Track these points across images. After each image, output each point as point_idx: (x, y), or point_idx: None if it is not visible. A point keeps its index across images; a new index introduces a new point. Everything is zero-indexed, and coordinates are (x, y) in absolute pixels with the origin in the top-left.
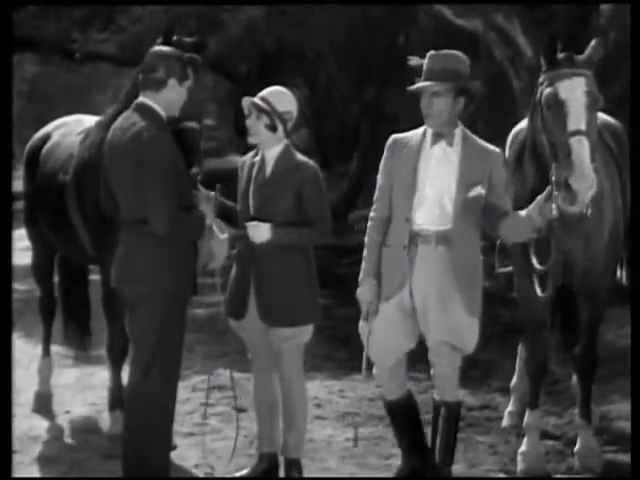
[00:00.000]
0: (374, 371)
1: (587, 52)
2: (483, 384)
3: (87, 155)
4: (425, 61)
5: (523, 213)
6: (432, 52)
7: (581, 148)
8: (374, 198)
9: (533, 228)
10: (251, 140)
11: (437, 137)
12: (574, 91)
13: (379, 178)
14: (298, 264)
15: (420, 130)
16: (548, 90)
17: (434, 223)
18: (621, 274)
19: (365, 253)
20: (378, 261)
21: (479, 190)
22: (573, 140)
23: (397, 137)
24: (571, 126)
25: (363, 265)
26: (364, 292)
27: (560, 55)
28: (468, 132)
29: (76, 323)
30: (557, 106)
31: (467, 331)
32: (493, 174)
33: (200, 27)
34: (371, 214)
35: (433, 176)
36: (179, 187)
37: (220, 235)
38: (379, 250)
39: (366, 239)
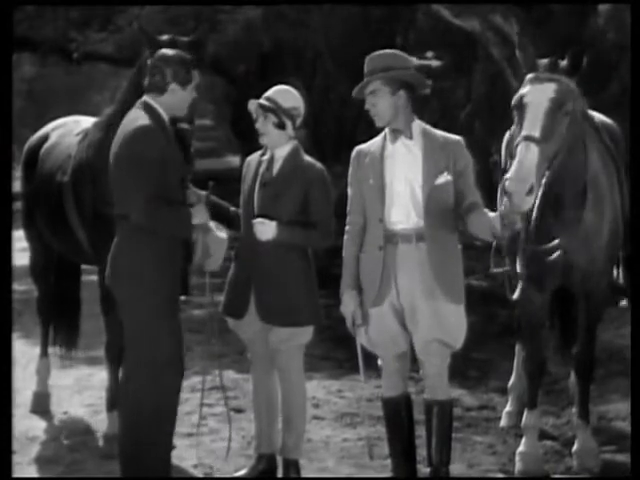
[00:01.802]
0: (379, 363)
1: (566, 60)
2: (481, 384)
3: (85, 156)
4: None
5: (489, 214)
6: (367, 57)
7: (525, 153)
8: (347, 211)
9: (493, 232)
10: (262, 141)
11: (396, 134)
12: (538, 96)
13: (349, 190)
14: (297, 265)
15: (381, 135)
16: (517, 93)
17: (412, 221)
18: (617, 273)
19: (343, 266)
20: (356, 272)
21: (446, 177)
22: (521, 145)
23: (360, 148)
24: (524, 131)
25: (342, 278)
26: (346, 304)
27: (543, 60)
28: (425, 125)
29: (66, 323)
30: (520, 110)
31: (455, 322)
32: (457, 160)
33: (198, 27)
34: (346, 227)
35: (400, 171)
36: (164, 180)
37: (219, 234)
38: (356, 261)
39: (343, 252)
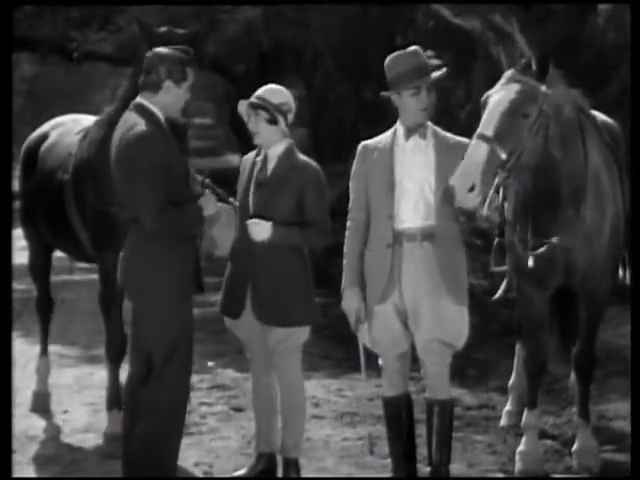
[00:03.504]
0: (380, 362)
1: (532, 64)
2: (481, 383)
3: (86, 154)
4: (399, 63)
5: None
6: (404, 52)
7: (473, 151)
8: (349, 207)
9: (480, 217)
10: (256, 141)
11: (410, 132)
12: (500, 96)
13: (352, 185)
14: (294, 265)
15: (389, 131)
16: (485, 95)
17: (419, 220)
18: (624, 274)
19: (345, 262)
20: (359, 269)
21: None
22: (472, 142)
23: (366, 143)
24: (478, 129)
25: (344, 275)
26: (348, 302)
27: (519, 64)
28: (435, 126)
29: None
30: (483, 110)
31: (456, 323)
32: None
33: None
34: (348, 223)
35: (410, 170)
36: (171, 182)
37: (226, 223)
38: (359, 258)
39: (345, 248)
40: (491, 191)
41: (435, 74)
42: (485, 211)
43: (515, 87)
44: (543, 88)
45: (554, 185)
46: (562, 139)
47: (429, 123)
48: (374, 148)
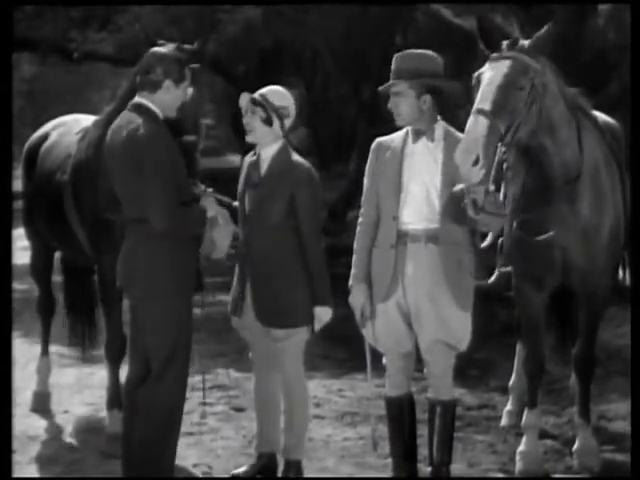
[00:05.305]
0: (384, 361)
1: (533, 38)
2: (481, 383)
3: (85, 155)
4: (394, 61)
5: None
6: (398, 54)
7: (474, 126)
8: (361, 202)
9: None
10: (249, 138)
11: (418, 134)
12: (493, 72)
13: (365, 182)
14: (294, 265)
15: (403, 130)
16: (476, 74)
17: (423, 221)
18: (623, 274)
19: (354, 258)
20: (367, 266)
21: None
22: (471, 118)
23: (381, 140)
24: (475, 105)
25: (352, 270)
26: (356, 297)
27: (505, 41)
28: (449, 127)
29: (82, 322)
30: (477, 88)
31: (460, 327)
32: None
33: (199, 29)
34: (360, 219)
35: (417, 172)
36: (177, 182)
37: (224, 227)
38: (368, 254)
39: (355, 244)
40: (494, 165)
41: (390, 83)
42: (490, 186)
43: (506, 62)
44: (532, 62)
45: (547, 174)
46: (549, 125)
47: (442, 124)
48: (387, 147)
